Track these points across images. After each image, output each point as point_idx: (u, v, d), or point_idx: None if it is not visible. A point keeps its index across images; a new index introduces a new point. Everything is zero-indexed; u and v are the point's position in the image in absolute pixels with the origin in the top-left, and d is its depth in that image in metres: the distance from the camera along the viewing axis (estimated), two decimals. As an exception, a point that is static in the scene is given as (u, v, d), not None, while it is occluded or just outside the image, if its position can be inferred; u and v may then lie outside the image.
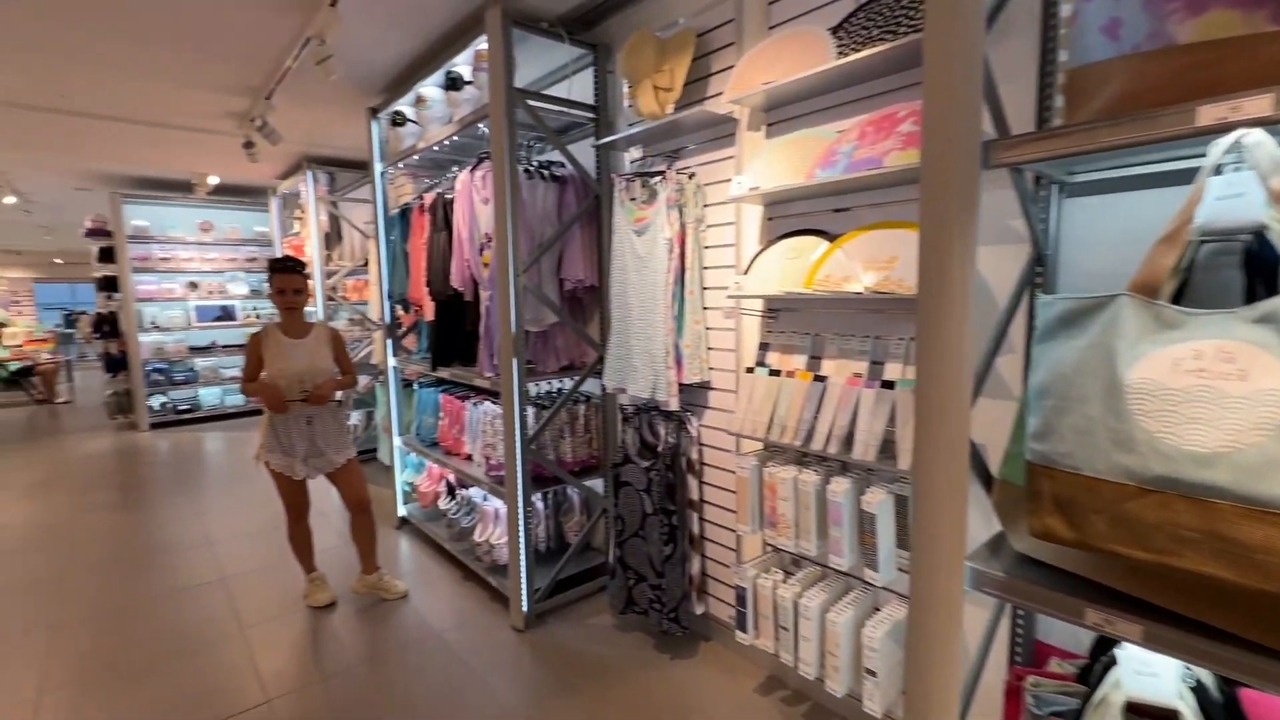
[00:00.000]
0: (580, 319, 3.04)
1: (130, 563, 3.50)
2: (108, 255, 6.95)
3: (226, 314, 7.55)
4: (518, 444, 2.63)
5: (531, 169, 2.76)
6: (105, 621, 2.87)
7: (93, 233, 7.05)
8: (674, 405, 2.35)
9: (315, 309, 5.39)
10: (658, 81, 2.32)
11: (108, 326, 7.15)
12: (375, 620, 2.86)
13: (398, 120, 3.43)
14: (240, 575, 3.31)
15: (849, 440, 1.77)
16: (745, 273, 2.12)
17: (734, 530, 2.46)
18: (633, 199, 2.51)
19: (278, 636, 2.73)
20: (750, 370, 2.09)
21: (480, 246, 2.82)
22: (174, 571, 3.37)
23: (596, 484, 3.03)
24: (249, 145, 4.28)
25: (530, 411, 2.77)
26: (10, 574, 3.40)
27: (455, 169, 3.38)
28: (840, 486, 1.81)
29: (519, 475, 2.65)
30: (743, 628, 2.12)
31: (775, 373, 2.00)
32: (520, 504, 2.66)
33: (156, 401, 7.02)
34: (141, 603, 3.04)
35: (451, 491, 3.53)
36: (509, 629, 2.73)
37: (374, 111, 3.75)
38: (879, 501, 1.74)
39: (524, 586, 2.70)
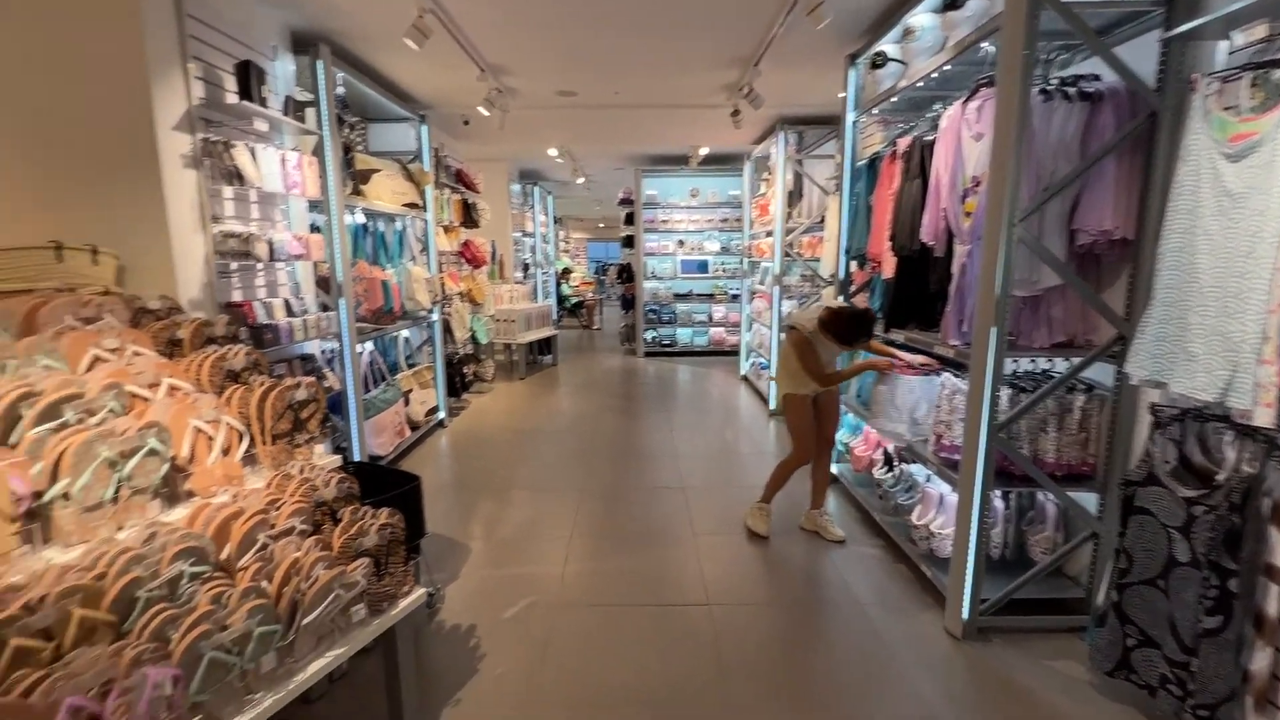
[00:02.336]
0: (1094, 282, 2.33)
1: (624, 455, 4.55)
2: (630, 219, 9.03)
3: (701, 267, 8.92)
4: (982, 428, 2.22)
5: (1050, 87, 2.17)
6: (608, 495, 3.80)
7: (623, 201, 9.25)
8: (1264, 419, 1.56)
9: (772, 264, 5.79)
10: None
11: (626, 274, 9.36)
12: (804, 567, 2.95)
13: (877, 62, 3.21)
14: (696, 488, 3.90)
15: None
16: None
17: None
18: (1229, 107, 1.70)
19: (721, 549, 3.10)
20: None
21: (963, 193, 2.42)
22: (649, 471, 4.22)
23: (1086, 499, 2.35)
24: (735, 113, 4.75)
25: (1005, 393, 2.29)
26: (560, 445, 4.84)
27: (938, 106, 2.98)
28: None
29: (979, 465, 2.25)
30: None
31: None
32: (976, 498, 2.27)
33: (649, 335, 8.91)
34: (628, 489, 3.91)
35: (889, 462, 3.32)
36: (941, 630, 2.42)
37: (852, 58, 3.63)
38: None
39: (967, 591, 2.33)
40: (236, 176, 2.71)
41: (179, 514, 1.61)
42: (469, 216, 6.27)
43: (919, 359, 2.88)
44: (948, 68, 2.64)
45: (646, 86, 4.83)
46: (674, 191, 8.81)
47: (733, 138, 6.54)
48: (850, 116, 3.71)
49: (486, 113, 4.62)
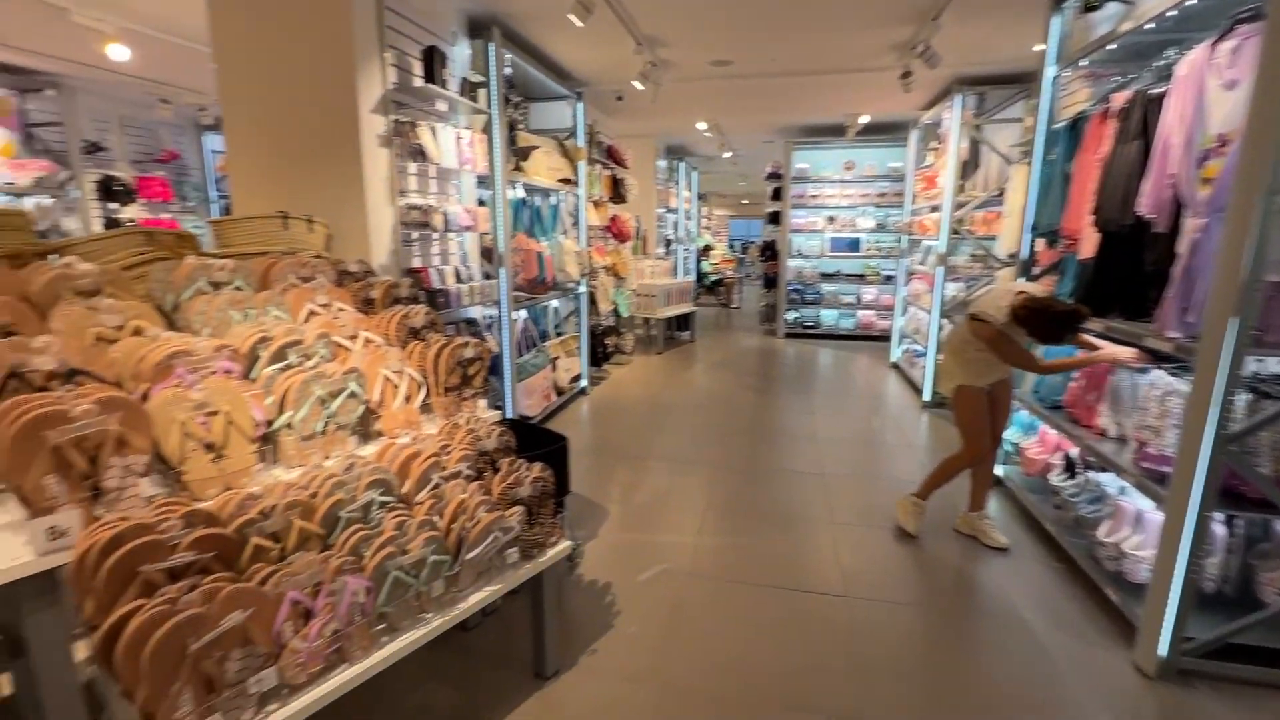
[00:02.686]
0: (1388, 267, 1.83)
1: (758, 435, 4.46)
2: (777, 194, 8.72)
3: (852, 245, 8.39)
4: (1207, 438, 1.86)
5: (1347, 17, 1.71)
6: (742, 473, 3.75)
7: (771, 175, 8.94)
8: None
9: (937, 242, 5.29)
10: None
11: (770, 252, 9.09)
12: (958, 572, 2.71)
13: (1092, 4, 2.75)
14: (836, 475, 3.73)
15: None
16: None
17: None
18: None
19: (862, 541, 2.94)
20: None
21: (1202, 155, 2.00)
22: (786, 453, 4.10)
23: (1349, 535, 1.90)
24: (906, 75, 4.35)
25: (1241, 398, 1.90)
26: (696, 420, 4.86)
27: (1171, 53, 2.48)
28: None
29: (1197, 480, 1.89)
30: None
31: None
32: (1190, 519, 1.92)
33: (791, 315, 8.60)
34: (764, 469, 3.83)
35: (1070, 468, 2.92)
36: (1128, 665, 2.11)
37: (1057, 2, 3.14)
38: None
39: (1168, 625, 1.99)
40: (419, 154, 2.99)
41: (370, 450, 1.84)
42: (617, 192, 6.42)
43: (1128, 352, 2.47)
44: (1191, 2, 2.18)
45: (807, 51, 4.58)
46: (826, 164, 8.34)
47: (899, 103, 6.02)
48: (1050, 71, 3.22)
49: (640, 87, 4.66)
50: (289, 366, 1.78)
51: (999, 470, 3.43)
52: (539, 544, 1.93)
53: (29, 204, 4.50)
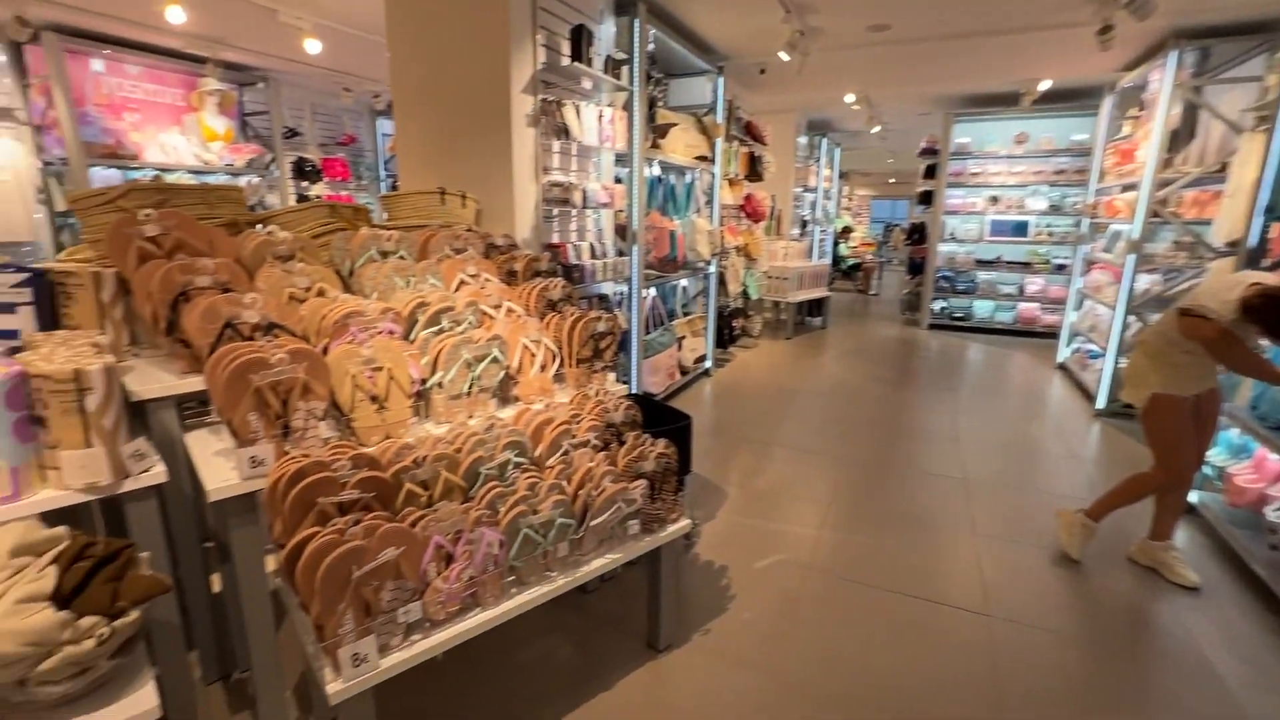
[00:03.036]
0: None
1: (891, 430, 4.17)
2: (930, 172, 7.98)
3: (1018, 229, 7.49)
4: None
5: None
6: (872, 469, 3.53)
7: (925, 151, 8.20)
8: None
9: (1129, 226, 4.55)
10: None
11: (916, 235, 8.38)
12: (1131, 607, 2.36)
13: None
14: (981, 482, 3.39)
15: None
16: None
17: None
18: None
19: (1010, 558, 2.65)
20: None
21: None
22: (922, 453, 3.79)
23: None
24: (1105, 31, 3.74)
25: None
26: (823, 410, 4.64)
27: None
28: None
29: None
30: None
31: None
32: None
33: (937, 305, 7.90)
34: (896, 467, 3.57)
35: (1294, 503, 2.42)
36: (1363, 750, 1.72)
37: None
38: None
39: None
40: (563, 132, 3.08)
41: (508, 413, 1.95)
42: (754, 170, 6.24)
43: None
44: None
45: (981, 8, 4.08)
46: (992, 138, 7.47)
47: (1091, 66, 5.22)
48: (1309, 13, 2.61)
49: (786, 58, 4.44)
50: (440, 331, 1.93)
51: (1193, 496, 2.92)
52: (659, 519, 1.95)
53: (242, 181, 5.29)
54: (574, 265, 3.22)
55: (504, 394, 2.02)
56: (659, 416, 2.53)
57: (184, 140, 4.99)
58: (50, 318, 1.75)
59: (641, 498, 1.84)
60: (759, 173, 6.34)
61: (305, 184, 5.85)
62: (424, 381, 1.82)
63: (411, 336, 1.91)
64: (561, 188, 3.17)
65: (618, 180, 3.92)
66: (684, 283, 5.35)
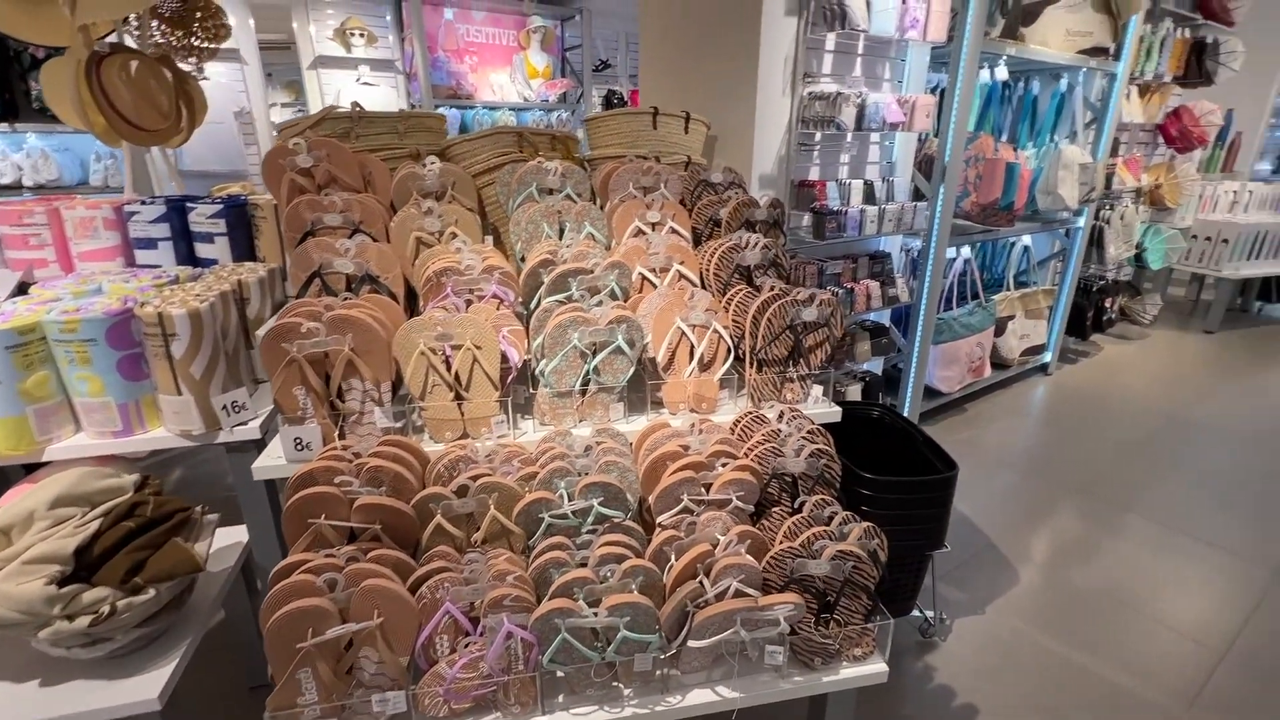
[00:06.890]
0: None
1: None
2: None
3: None
4: None
5: None
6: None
7: None
8: None
9: None
10: None
11: None
12: None
13: None
14: None
15: None
16: None
17: None
18: None
19: None
20: None
21: None
22: None
23: None
24: None
25: None
26: (1249, 462, 2.81)
27: None
28: None
29: None
30: None
31: None
32: None
33: None
34: None
35: None
36: None
37: None
38: None
39: None
40: (839, 18, 2.15)
41: (634, 428, 1.38)
42: (1198, 66, 4.00)
43: None
44: None
45: None
46: None
47: None
48: None
49: None
50: (569, 299, 1.43)
51: None
52: (826, 652, 1.18)
53: (553, 117, 5.54)
54: (828, 212, 2.34)
55: (641, 397, 1.44)
56: (906, 452, 1.66)
57: (508, 79, 5.40)
58: (248, 248, 1.80)
59: (788, 620, 1.11)
60: (1207, 72, 4.05)
61: (611, 117, 5.91)
62: (526, 368, 1.36)
63: (532, 305, 1.46)
64: (827, 101, 2.28)
65: (933, 90, 2.77)
66: (1026, 240, 3.80)
